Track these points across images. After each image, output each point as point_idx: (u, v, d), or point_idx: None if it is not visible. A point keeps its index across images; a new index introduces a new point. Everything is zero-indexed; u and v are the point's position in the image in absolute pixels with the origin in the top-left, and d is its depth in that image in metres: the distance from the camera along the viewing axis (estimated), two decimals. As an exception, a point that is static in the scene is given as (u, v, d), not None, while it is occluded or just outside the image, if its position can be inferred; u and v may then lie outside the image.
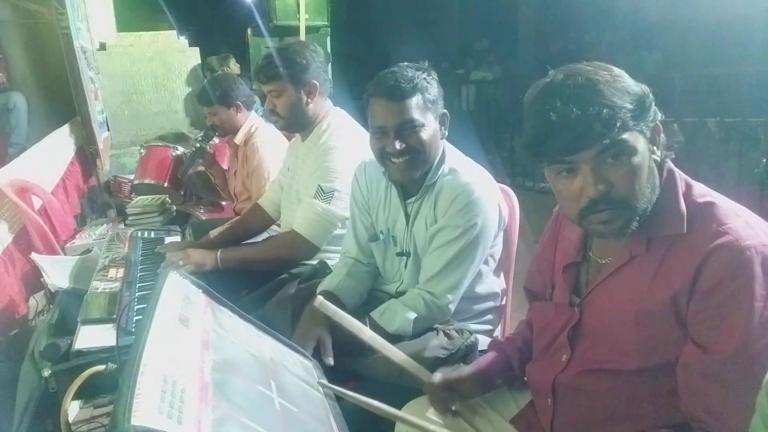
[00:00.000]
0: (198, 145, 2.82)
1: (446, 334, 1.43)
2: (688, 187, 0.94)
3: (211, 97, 2.60)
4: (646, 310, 0.92)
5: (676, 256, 0.90)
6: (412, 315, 1.42)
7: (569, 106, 0.85)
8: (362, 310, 1.64)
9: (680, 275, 0.87)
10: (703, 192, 0.94)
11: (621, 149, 0.87)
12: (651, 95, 0.90)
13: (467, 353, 1.43)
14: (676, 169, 0.96)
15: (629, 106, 0.86)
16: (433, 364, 1.37)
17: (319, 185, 1.81)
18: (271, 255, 1.88)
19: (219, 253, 1.82)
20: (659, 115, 0.91)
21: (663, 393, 0.93)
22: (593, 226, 0.93)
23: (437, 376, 1.17)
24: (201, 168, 3.11)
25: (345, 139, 1.86)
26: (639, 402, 0.96)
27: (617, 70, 0.91)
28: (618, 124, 0.85)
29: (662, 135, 0.93)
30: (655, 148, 0.92)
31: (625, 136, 0.86)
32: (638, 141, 0.88)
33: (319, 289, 1.60)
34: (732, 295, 0.83)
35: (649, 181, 0.90)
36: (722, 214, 0.88)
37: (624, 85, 0.87)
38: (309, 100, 1.89)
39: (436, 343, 1.39)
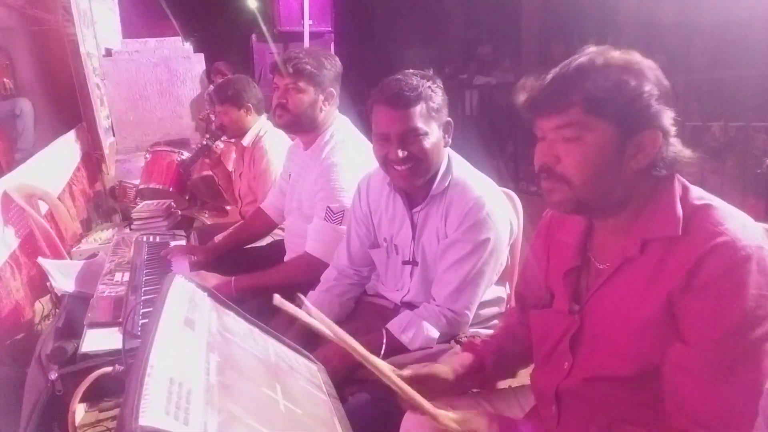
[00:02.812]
0: (204, 142, 2.81)
1: (458, 342, 1.46)
2: (685, 190, 0.94)
3: (223, 96, 2.61)
4: (643, 316, 0.91)
5: (672, 257, 0.89)
6: (436, 333, 1.44)
7: (559, 73, 0.91)
8: (363, 317, 1.66)
9: (675, 275, 0.87)
10: (700, 195, 0.93)
11: (579, 132, 0.90)
12: (657, 106, 0.89)
13: None
14: (676, 175, 0.95)
15: (614, 98, 0.87)
16: None
17: (328, 207, 1.80)
18: (288, 279, 1.85)
19: (234, 280, 1.81)
20: (666, 127, 0.90)
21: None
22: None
23: (407, 372, 1.12)
24: (206, 173, 3.12)
25: (348, 155, 1.85)
26: (642, 409, 0.95)
27: (646, 68, 0.91)
28: (593, 107, 0.88)
29: (661, 148, 0.91)
30: (639, 155, 0.91)
31: (591, 121, 0.89)
32: (605, 133, 0.89)
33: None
34: (725, 293, 0.83)
35: (606, 177, 0.91)
36: (719, 216, 0.88)
37: (626, 80, 0.88)
38: (323, 106, 1.88)
39: (450, 351, 1.42)
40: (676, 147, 0.93)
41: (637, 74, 0.89)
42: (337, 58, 1.93)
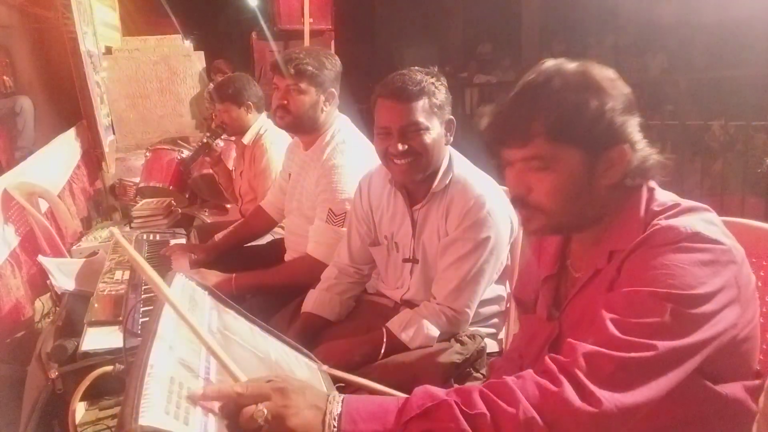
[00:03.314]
0: (204, 140, 2.80)
1: (458, 341, 1.45)
2: (650, 198, 0.93)
3: (225, 94, 2.60)
4: None
5: (628, 264, 0.88)
6: (436, 332, 1.44)
7: (518, 103, 0.90)
8: (363, 316, 1.66)
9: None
10: (664, 201, 0.91)
11: (547, 163, 0.88)
12: (621, 120, 0.87)
13: (478, 357, 1.46)
14: (644, 184, 0.94)
15: (577, 123, 0.86)
16: (449, 369, 1.39)
17: (330, 209, 1.80)
18: (289, 280, 1.86)
19: (234, 278, 1.81)
20: (633, 138, 0.89)
21: (649, 412, 0.91)
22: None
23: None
24: (206, 171, 3.12)
25: (349, 156, 1.84)
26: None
27: (604, 82, 0.89)
28: (557, 136, 0.86)
29: (630, 160, 0.89)
30: (610, 171, 0.90)
31: (557, 150, 0.88)
32: (573, 158, 0.88)
33: (302, 309, 1.64)
34: (645, 258, 0.83)
35: (579, 199, 0.91)
36: (665, 217, 0.87)
37: (586, 101, 0.86)
38: (324, 107, 1.87)
39: (451, 349, 1.42)
40: (645, 151, 0.91)
41: (596, 91, 0.87)
42: (337, 58, 1.92)
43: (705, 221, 0.86)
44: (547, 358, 0.79)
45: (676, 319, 0.77)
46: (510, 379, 0.77)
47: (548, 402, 0.74)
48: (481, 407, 0.74)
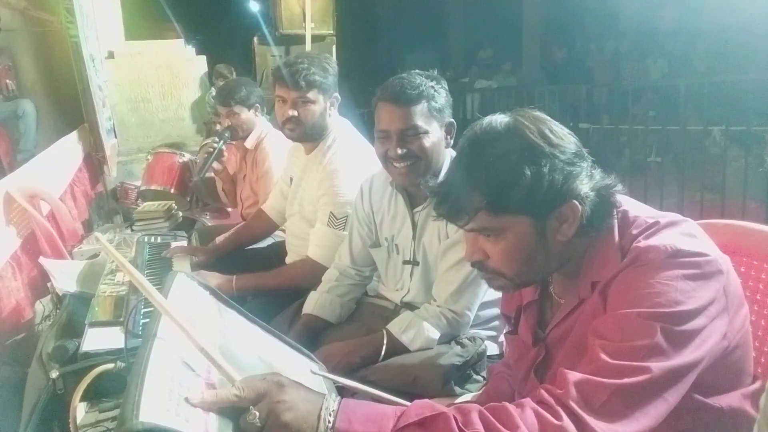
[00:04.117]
0: (216, 146, 2.77)
1: (459, 343, 1.46)
2: (624, 224, 0.91)
3: (235, 97, 2.59)
4: None
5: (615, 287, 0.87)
6: (436, 334, 1.44)
7: (453, 182, 0.90)
8: (363, 318, 1.66)
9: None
10: (640, 222, 0.89)
11: (495, 232, 0.89)
12: (562, 177, 0.85)
13: (478, 360, 1.46)
14: (616, 210, 0.92)
15: (515, 193, 0.84)
16: (449, 371, 1.38)
17: (331, 212, 1.80)
18: (289, 282, 1.86)
19: (235, 279, 1.81)
20: (581, 191, 0.86)
21: None
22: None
23: None
24: (208, 174, 3.12)
25: (351, 160, 1.85)
26: None
27: (538, 140, 0.86)
28: (498, 210, 0.86)
29: (582, 213, 0.87)
30: (564, 226, 0.88)
31: (501, 220, 0.87)
32: (520, 224, 0.87)
33: (303, 311, 1.64)
34: (630, 279, 0.83)
35: (536, 259, 0.90)
36: (648, 236, 0.86)
37: (521, 170, 0.84)
38: (329, 112, 1.88)
39: (451, 352, 1.42)
40: (602, 191, 0.88)
41: (530, 156, 0.85)
42: (333, 59, 1.93)
43: (684, 235, 0.85)
44: (541, 390, 0.78)
45: (667, 338, 0.76)
46: (509, 405, 0.76)
47: None
48: (479, 427, 0.73)
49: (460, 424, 0.73)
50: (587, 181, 0.88)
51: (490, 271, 0.94)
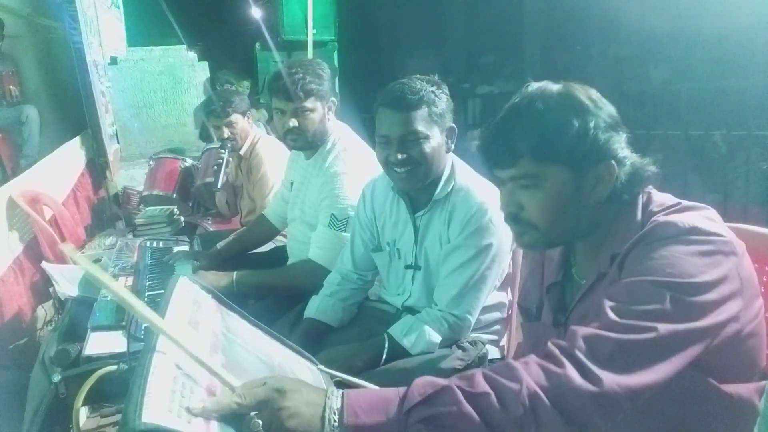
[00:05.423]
0: (223, 158, 2.76)
1: (460, 347, 1.45)
2: (648, 200, 0.95)
3: (232, 106, 2.58)
4: None
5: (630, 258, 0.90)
6: (438, 338, 1.44)
7: (504, 125, 0.94)
8: (365, 322, 1.66)
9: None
10: (662, 201, 0.94)
11: (535, 181, 0.92)
12: (605, 136, 0.90)
13: (479, 364, 1.46)
14: (643, 189, 0.96)
15: (561, 142, 0.89)
16: (450, 375, 1.38)
17: (332, 214, 1.80)
18: (289, 282, 1.86)
19: (235, 275, 1.80)
20: (619, 154, 0.91)
21: (653, 408, 0.92)
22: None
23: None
24: (209, 179, 3.12)
25: (351, 163, 1.85)
26: (630, 419, 0.94)
27: (586, 101, 0.91)
28: (542, 156, 0.90)
29: (617, 175, 0.92)
30: (599, 186, 0.92)
31: (543, 169, 0.91)
32: (559, 176, 0.91)
33: (305, 315, 1.64)
34: (647, 252, 0.85)
35: (570, 215, 0.94)
36: (663, 214, 0.90)
37: (569, 121, 0.89)
38: (328, 117, 1.89)
39: (452, 356, 1.42)
40: (635, 164, 0.93)
41: (578, 111, 0.90)
42: (325, 64, 1.92)
43: (704, 217, 0.88)
44: (549, 343, 0.80)
45: (676, 305, 0.78)
46: (514, 361, 0.78)
47: (551, 381, 0.74)
48: (484, 387, 0.75)
49: (466, 389, 0.75)
50: (625, 147, 0.93)
51: (524, 224, 0.96)
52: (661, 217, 0.88)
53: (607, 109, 0.93)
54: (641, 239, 0.87)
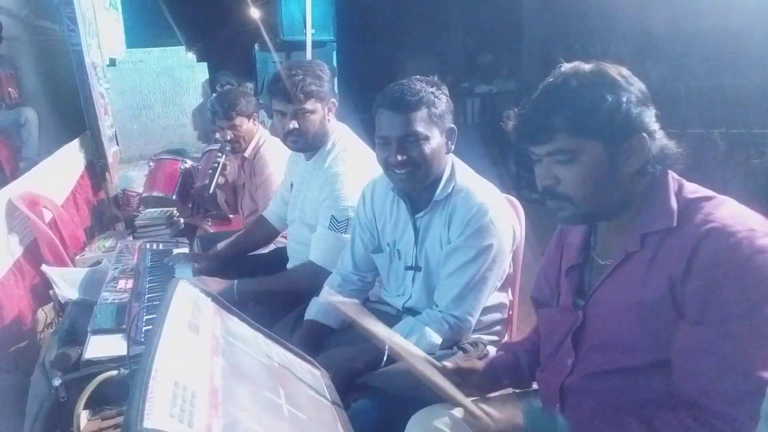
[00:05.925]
0: (220, 161, 2.75)
1: (461, 348, 1.45)
2: (681, 185, 0.99)
3: (236, 109, 2.57)
4: (645, 302, 0.95)
5: (669, 247, 0.94)
6: (438, 339, 1.44)
7: (540, 103, 0.98)
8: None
9: (674, 263, 0.91)
10: (695, 189, 0.98)
11: (571, 155, 0.96)
12: (637, 111, 0.94)
13: None
14: (671, 172, 1.01)
15: (595, 116, 0.93)
16: None
17: (332, 216, 1.80)
18: (291, 286, 1.85)
19: (236, 284, 1.79)
20: (650, 127, 0.96)
21: (669, 390, 0.93)
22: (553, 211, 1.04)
23: (449, 364, 1.16)
24: (205, 182, 3.12)
25: (351, 164, 1.85)
26: (646, 400, 0.96)
27: (618, 78, 0.96)
28: (578, 131, 0.94)
29: (650, 147, 0.96)
30: (632, 158, 0.96)
31: (579, 143, 0.95)
32: (594, 149, 0.95)
33: (305, 317, 1.64)
34: (724, 274, 0.86)
35: (605, 188, 0.97)
36: (710, 206, 0.93)
37: (603, 96, 0.93)
38: (328, 118, 1.88)
39: (453, 357, 1.41)
40: (663, 141, 0.98)
41: (611, 87, 0.94)
42: (324, 64, 1.91)
43: (747, 212, 0.92)
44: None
45: None
46: None
47: None
48: None
49: None
50: (656, 122, 0.97)
51: (560, 197, 0.99)
52: (713, 223, 0.89)
53: (638, 85, 0.97)
54: (717, 261, 0.87)
